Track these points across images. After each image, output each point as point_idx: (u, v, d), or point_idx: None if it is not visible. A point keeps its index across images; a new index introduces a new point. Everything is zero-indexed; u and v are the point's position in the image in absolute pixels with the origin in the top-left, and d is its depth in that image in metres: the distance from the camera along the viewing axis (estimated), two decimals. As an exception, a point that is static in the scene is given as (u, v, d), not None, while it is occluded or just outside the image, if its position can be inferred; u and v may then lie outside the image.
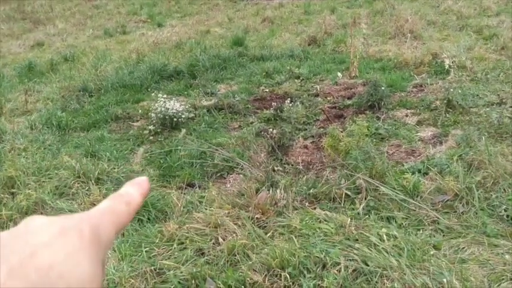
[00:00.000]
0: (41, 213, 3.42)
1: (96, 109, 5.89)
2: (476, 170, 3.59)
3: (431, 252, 2.78)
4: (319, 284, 2.57)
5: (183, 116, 5.01)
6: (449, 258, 2.73)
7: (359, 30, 7.99)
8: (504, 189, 3.32)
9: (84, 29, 12.79)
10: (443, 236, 2.99)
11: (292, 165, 4.09)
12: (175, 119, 4.94)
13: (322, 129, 4.84)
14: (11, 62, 9.13)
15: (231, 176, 3.99)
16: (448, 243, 2.89)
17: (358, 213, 3.22)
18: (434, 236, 2.97)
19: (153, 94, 5.56)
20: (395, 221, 3.14)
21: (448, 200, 3.30)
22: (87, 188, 3.74)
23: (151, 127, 4.94)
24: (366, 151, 3.77)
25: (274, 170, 3.92)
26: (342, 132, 4.33)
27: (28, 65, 8.19)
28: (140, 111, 5.60)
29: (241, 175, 3.91)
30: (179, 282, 2.63)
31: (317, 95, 5.99)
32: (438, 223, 3.09)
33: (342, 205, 3.34)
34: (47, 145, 4.75)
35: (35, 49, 10.52)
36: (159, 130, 4.95)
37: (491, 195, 3.28)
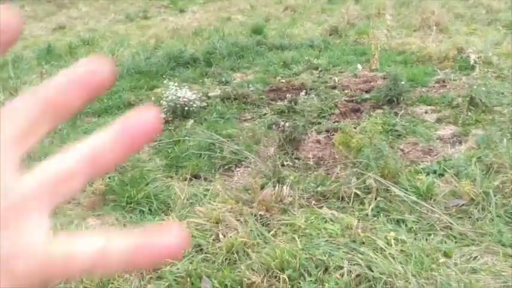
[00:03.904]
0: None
1: (109, 95, 5.84)
2: (495, 173, 3.39)
3: (441, 260, 2.62)
4: (319, 289, 2.46)
5: (194, 105, 4.91)
6: (460, 268, 2.57)
7: (383, 21, 7.76)
8: (524, 196, 3.13)
9: (107, 13, 12.80)
10: (456, 242, 2.82)
11: (302, 160, 3.96)
12: (186, 108, 4.85)
13: (336, 124, 4.68)
14: (31, 44, 9.16)
15: (238, 169, 3.88)
16: (459, 251, 2.73)
17: (367, 215, 3.08)
18: (445, 243, 2.81)
19: (165, 81, 5.48)
20: (406, 225, 2.99)
21: (462, 205, 3.13)
22: (91, 175, 3.68)
23: (161, 115, 4.85)
24: (379, 149, 3.61)
25: (283, 165, 3.80)
26: (355, 128, 4.17)
27: (47, 48, 8.21)
28: (153, 98, 5.53)
29: (248, 169, 3.80)
30: (174, 280, 2.55)
31: (334, 87, 5.81)
32: (451, 229, 2.93)
33: (351, 205, 3.20)
34: (57, 129, 4.71)
35: (56, 32, 10.57)
36: (169, 119, 4.87)
37: (510, 201, 3.10)
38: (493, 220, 2.97)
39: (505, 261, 2.66)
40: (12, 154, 0.25)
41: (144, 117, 0.27)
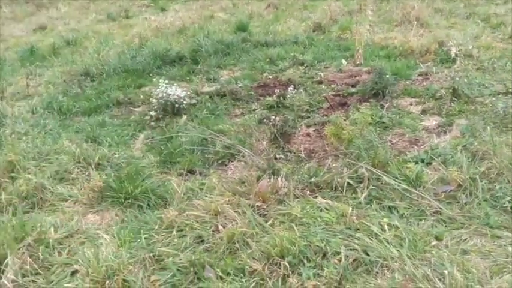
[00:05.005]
0: (41, 198, 3.40)
1: (97, 94, 5.85)
2: (481, 160, 3.54)
3: (433, 243, 2.74)
4: (318, 273, 2.54)
5: (184, 102, 4.96)
6: (451, 250, 2.69)
7: (365, 17, 7.88)
8: (508, 180, 3.27)
9: (87, 12, 12.69)
10: (446, 226, 2.95)
11: (294, 153, 4.05)
12: (176, 105, 4.90)
13: (325, 117, 4.79)
14: (13, 45, 9.07)
15: (232, 163, 3.95)
16: (450, 234, 2.85)
17: (360, 203, 3.19)
18: (436, 227, 2.94)
19: (154, 79, 5.50)
20: (397, 211, 3.10)
21: (451, 191, 3.25)
22: (87, 173, 3.71)
23: (152, 113, 4.90)
24: (369, 140, 3.73)
25: (276, 158, 3.88)
26: (345, 120, 4.28)
27: (30, 49, 8.15)
28: (142, 96, 5.56)
29: (242, 162, 3.87)
30: (178, 270, 2.61)
31: (321, 82, 5.92)
32: (440, 214, 3.05)
33: (344, 194, 3.31)
34: (47, 130, 4.72)
35: (37, 33, 10.44)
36: (160, 116, 4.91)
37: (495, 186, 3.24)
38: (480, 204, 3.10)
39: (493, 242, 2.79)
40: None
41: None
